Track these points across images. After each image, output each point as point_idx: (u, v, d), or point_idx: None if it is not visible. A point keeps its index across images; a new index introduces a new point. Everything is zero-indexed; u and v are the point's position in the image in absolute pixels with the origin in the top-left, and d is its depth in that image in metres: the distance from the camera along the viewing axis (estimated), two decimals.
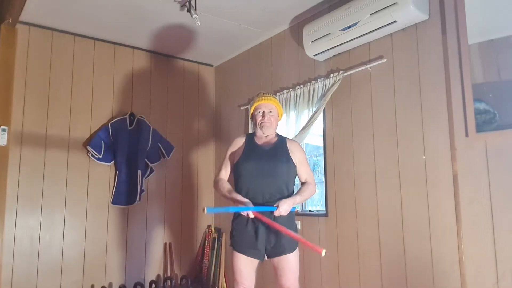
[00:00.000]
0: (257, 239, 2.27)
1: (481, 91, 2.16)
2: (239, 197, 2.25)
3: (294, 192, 2.39)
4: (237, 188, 2.37)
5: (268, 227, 2.26)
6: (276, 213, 2.18)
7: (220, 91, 4.50)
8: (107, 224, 3.67)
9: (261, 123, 2.38)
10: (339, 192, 2.96)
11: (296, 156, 2.39)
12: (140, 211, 3.87)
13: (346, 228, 2.89)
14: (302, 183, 2.44)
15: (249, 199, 2.26)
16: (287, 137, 2.54)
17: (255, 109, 2.42)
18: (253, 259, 2.31)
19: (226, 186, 2.37)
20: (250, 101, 2.51)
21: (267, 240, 2.28)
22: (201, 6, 3.07)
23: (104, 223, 3.66)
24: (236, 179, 2.41)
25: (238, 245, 2.34)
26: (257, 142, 2.43)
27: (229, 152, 2.49)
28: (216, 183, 2.44)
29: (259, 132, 2.44)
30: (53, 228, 3.41)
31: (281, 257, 2.29)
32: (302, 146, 3.41)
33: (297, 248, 2.35)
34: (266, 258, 2.35)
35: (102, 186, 3.68)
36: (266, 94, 2.46)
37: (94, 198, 3.63)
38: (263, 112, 2.38)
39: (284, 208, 2.18)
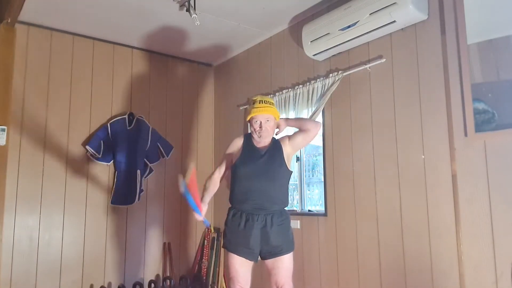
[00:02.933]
0: (250, 239, 2.28)
1: (480, 91, 2.17)
2: (203, 203, 2.44)
3: (290, 194, 2.45)
4: (234, 190, 2.40)
5: (262, 228, 2.28)
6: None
7: (219, 91, 4.50)
8: (106, 224, 3.67)
9: (258, 133, 2.39)
10: (338, 191, 2.96)
11: (285, 142, 2.46)
12: (139, 211, 3.87)
13: (345, 227, 2.89)
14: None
15: (245, 201, 2.32)
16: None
17: (252, 118, 2.40)
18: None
19: (209, 184, 2.51)
20: (250, 101, 2.51)
21: (262, 241, 2.29)
22: (200, 5, 3.07)
23: (103, 223, 3.66)
24: (233, 181, 2.43)
25: (231, 245, 2.35)
26: (255, 144, 2.45)
27: (227, 153, 2.53)
28: (207, 179, 2.56)
29: (256, 137, 2.45)
30: (52, 228, 3.41)
31: (276, 258, 2.31)
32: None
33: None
34: (260, 259, 2.35)
35: (101, 186, 3.68)
36: (262, 102, 2.40)
37: (93, 198, 3.62)
38: (260, 122, 2.37)
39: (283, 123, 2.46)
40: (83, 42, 3.72)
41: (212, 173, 2.56)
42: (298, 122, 2.50)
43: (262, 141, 2.41)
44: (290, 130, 3.34)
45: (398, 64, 2.62)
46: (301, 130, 2.47)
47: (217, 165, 2.60)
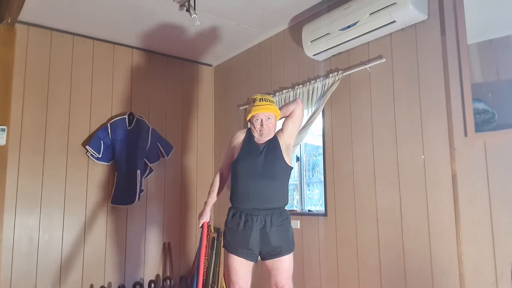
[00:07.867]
0: (250, 240, 2.26)
1: (480, 91, 2.17)
2: (207, 207, 2.51)
3: (290, 194, 2.43)
4: (234, 190, 2.39)
5: (262, 229, 2.27)
6: None
7: (219, 91, 4.50)
8: (106, 224, 3.67)
9: (260, 131, 2.37)
10: (338, 192, 2.96)
11: (280, 134, 2.43)
12: (139, 211, 3.87)
13: (345, 227, 2.89)
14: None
15: (244, 201, 2.32)
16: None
17: (253, 117, 2.38)
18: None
19: (213, 186, 2.55)
20: (250, 101, 2.49)
21: (262, 242, 2.27)
22: (200, 5, 3.07)
23: (103, 223, 3.66)
24: (233, 180, 2.42)
25: (231, 245, 2.33)
26: (255, 140, 2.43)
27: (229, 147, 2.54)
28: (215, 176, 2.58)
29: (257, 135, 2.44)
30: (52, 228, 3.41)
31: (276, 258, 2.29)
32: (301, 146, 3.43)
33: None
34: (260, 259, 2.34)
35: (101, 186, 3.68)
36: (262, 100, 2.38)
37: (93, 198, 3.63)
38: (261, 120, 2.35)
39: None
40: (83, 42, 3.72)
41: (219, 172, 2.57)
42: (283, 111, 2.47)
43: (263, 139, 2.40)
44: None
45: (398, 64, 2.62)
46: (287, 117, 2.46)
47: (219, 166, 2.59)
